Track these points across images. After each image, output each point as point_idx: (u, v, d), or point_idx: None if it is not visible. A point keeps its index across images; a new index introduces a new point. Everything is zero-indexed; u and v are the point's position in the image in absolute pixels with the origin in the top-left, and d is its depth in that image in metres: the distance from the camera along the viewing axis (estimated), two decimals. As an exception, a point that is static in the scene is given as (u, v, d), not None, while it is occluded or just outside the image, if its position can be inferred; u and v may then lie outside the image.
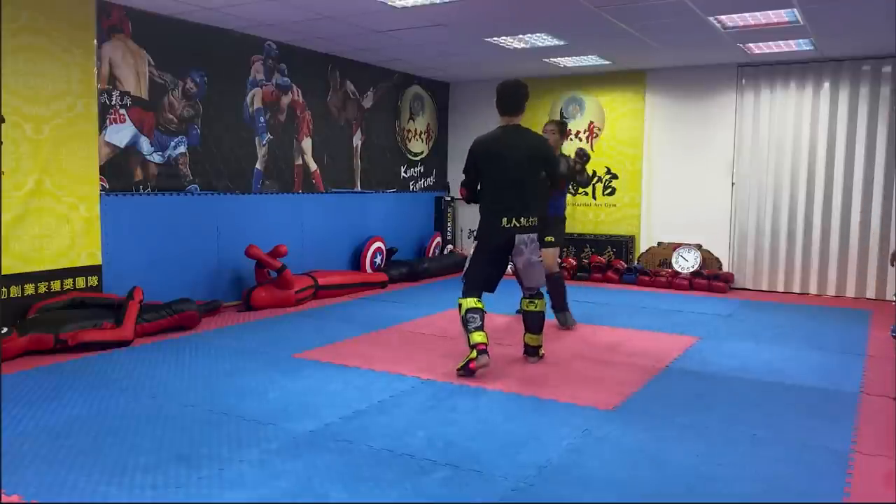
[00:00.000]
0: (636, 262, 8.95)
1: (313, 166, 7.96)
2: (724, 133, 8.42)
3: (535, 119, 9.52)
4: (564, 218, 6.16)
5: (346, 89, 8.36)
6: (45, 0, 5.25)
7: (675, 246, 8.64)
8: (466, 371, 4.49)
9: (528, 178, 4.65)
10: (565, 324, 6.00)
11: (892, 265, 4.24)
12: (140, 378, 4.42)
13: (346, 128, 8.41)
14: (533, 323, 4.84)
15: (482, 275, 4.77)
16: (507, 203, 4.62)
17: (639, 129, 8.91)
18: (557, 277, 5.94)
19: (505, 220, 4.61)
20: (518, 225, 4.61)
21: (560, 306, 6.03)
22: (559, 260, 6.31)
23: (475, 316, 4.58)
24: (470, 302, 4.62)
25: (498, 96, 4.75)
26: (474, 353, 4.48)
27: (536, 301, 4.84)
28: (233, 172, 6.96)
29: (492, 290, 4.80)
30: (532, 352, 4.93)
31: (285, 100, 7.54)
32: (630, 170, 8.98)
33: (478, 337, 4.51)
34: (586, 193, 9.25)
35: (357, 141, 8.60)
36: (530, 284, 4.80)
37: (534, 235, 4.68)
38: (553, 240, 5.84)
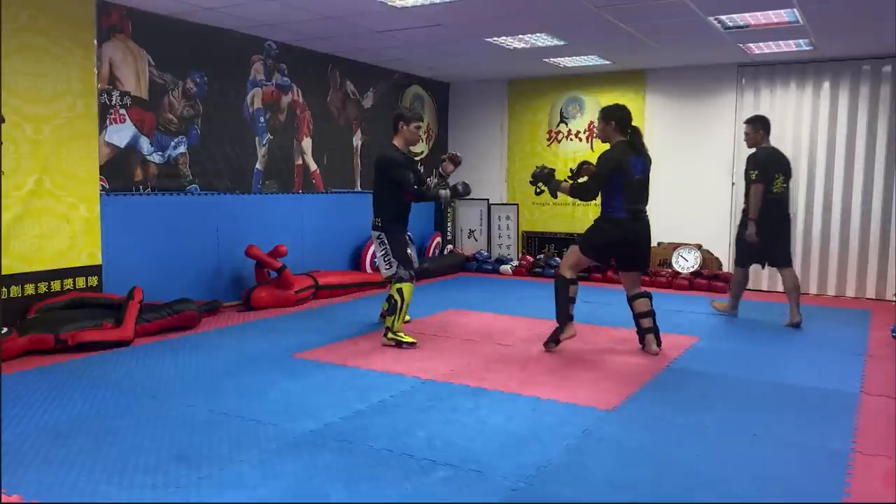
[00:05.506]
0: (636, 262, 8.93)
1: (313, 166, 7.96)
2: (724, 133, 8.42)
3: (535, 119, 9.54)
4: (604, 222, 5.22)
5: (346, 89, 8.36)
6: (45, 0, 5.25)
7: (675, 246, 8.64)
8: None
9: (375, 186, 5.50)
10: (548, 342, 5.20)
11: None
12: (140, 378, 4.42)
13: (346, 128, 8.41)
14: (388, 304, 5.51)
15: None
16: None
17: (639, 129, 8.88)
18: (557, 282, 5.18)
19: None
20: (373, 222, 5.52)
21: (558, 316, 5.19)
22: (571, 265, 5.21)
23: None
24: None
25: None
26: None
27: (391, 285, 5.43)
28: (233, 172, 6.97)
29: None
30: (385, 331, 5.40)
31: (285, 100, 7.54)
32: (630, 170, 8.96)
33: None
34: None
35: (357, 141, 8.60)
36: (380, 272, 5.63)
37: (376, 233, 5.43)
38: (575, 239, 5.48)
